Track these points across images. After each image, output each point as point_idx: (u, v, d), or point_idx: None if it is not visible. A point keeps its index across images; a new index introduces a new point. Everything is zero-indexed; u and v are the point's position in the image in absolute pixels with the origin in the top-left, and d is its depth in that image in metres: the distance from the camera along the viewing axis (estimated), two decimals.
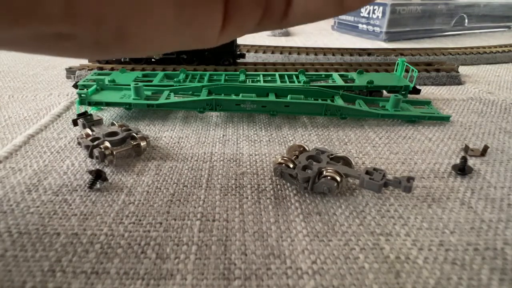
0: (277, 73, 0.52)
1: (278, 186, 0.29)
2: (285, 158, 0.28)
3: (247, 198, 0.28)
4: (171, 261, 0.21)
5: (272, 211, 0.26)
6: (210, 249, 0.23)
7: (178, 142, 0.37)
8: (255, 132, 0.40)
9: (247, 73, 0.53)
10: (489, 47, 0.77)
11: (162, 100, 0.42)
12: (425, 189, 0.29)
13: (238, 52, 0.62)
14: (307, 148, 0.31)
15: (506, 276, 0.21)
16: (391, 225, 0.25)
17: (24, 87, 0.53)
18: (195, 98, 0.42)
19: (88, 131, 0.34)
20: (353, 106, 0.42)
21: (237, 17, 0.13)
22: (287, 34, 1.02)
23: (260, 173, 0.31)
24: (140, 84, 0.43)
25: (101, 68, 0.56)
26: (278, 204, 0.27)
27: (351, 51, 0.72)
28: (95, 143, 0.32)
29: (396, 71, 0.52)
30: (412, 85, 0.47)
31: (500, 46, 0.78)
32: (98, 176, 0.28)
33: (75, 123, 0.37)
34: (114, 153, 0.31)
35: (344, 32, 1.06)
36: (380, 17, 0.92)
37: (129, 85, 0.44)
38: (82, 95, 0.40)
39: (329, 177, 0.27)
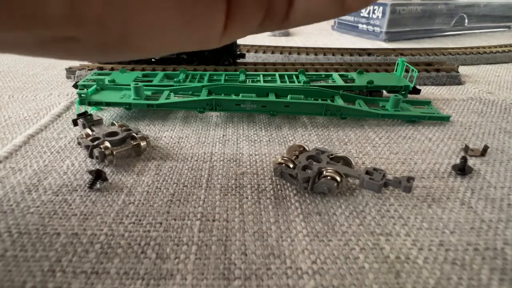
0: (277, 73, 0.52)
1: (278, 186, 0.29)
2: (285, 158, 0.28)
3: (247, 198, 0.28)
4: (171, 261, 0.21)
5: (272, 211, 0.26)
6: (210, 249, 0.23)
7: (178, 142, 0.37)
8: (255, 132, 0.40)
9: (247, 73, 0.53)
10: (489, 47, 0.77)
11: (162, 100, 0.42)
12: (425, 189, 0.29)
13: (238, 52, 0.62)
14: (307, 148, 0.31)
15: (506, 276, 0.21)
16: (391, 225, 0.25)
17: (24, 87, 0.53)
18: (195, 98, 0.42)
19: (88, 131, 0.34)
20: (353, 106, 0.42)
21: (239, 18, 0.13)
22: (287, 34, 1.02)
23: (260, 173, 0.31)
24: (140, 84, 0.42)
25: (101, 68, 0.56)
26: (278, 204, 0.27)
27: (351, 51, 0.72)
28: (95, 143, 0.32)
29: (396, 71, 0.52)
30: (412, 85, 0.47)
31: (500, 46, 0.78)
32: (98, 176, 0.28)
33: (75, 123, 0.37)
34: (114, 153, 0.31)
35: (344, 32, 1.06)
36: (380, 17, 0.92)
37: (129, 85, 0.44)
38: (82, 95, 0.40)
39: (329, 177, 0.27)
